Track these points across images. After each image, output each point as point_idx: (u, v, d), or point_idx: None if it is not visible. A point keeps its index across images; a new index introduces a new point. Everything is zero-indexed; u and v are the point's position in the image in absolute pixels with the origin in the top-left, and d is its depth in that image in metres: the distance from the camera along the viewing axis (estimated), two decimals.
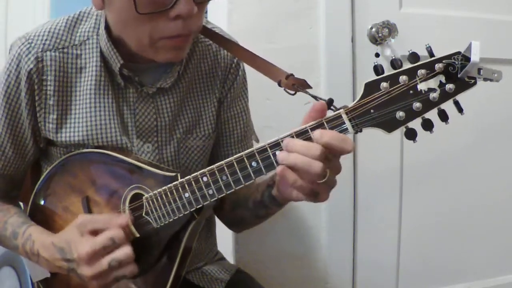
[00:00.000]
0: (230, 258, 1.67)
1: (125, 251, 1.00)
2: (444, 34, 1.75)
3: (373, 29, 1.79)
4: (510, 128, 2.01)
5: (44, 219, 1.18)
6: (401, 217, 1.92)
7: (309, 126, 0.91)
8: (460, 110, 0.87)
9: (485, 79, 0.84)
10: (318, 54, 1.78)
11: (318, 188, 0.92)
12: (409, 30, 1.79)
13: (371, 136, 1.75)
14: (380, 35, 1.78)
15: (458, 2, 1.91)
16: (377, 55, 1.79)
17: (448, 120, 0.88)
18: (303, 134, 0.91)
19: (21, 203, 1.29)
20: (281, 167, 0.91)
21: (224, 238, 1.60)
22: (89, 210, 1.13)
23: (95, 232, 1.01)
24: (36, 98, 1.13)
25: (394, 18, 1.79)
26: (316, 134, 0.88)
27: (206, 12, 1.86)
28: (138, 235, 1.08)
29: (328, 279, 1.84)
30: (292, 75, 1.07)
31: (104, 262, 0.99)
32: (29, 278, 1.25)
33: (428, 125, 0.88)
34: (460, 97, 0.86)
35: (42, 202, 1.20)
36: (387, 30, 1.78)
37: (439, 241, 1.97)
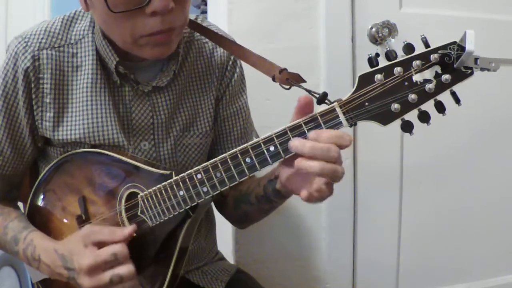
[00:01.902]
0: (230, 258, 1.66)
1: (129, 268, 0.99)
2: (444, 34, 1.73)
3: (373, 29, 1.78)
4: (510, 129, 2.00)
5: (42, 219, 1.18)
6: (401, 217, 1.91)
7: (302, 121, 0.90)
8: (457, 101, 0.86)
9: (482, 69, 0.82)
10: (318, 54, 1.77)
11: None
12: (409, 30, 1.78)
13: (371, 136, 1.78)
14: (380, 35, 1.77)
15: (458, 2, 1.91)
16: (377, 55, 1.80)
17: (445, 112, 0.86)
18: (297, 129, 0.90)
19: (20, 203, 1.28)
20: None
21: (224, 238, 1.60)
22: (85, 210, 1.13)
23: (98, 244, 1.01)
24: (33, 96, 1.14)
25: (394, 18, 1.79)
26: (311, 135, 0.88)
27: (206, 12, 1.87)
28: (134, 234, 1.07)
29: (328, 279, 1.83)
30: (285, 69, 1.06)
31: (106, 276, 0.98)
32: (29, 278, 1.25)
33: (424, 117, 0.87)
34: (457, 88, 0.85)
35: (39, 203, 1.20)
36: (387, 30, 1.78)
37: (439, 241, 1.97)
